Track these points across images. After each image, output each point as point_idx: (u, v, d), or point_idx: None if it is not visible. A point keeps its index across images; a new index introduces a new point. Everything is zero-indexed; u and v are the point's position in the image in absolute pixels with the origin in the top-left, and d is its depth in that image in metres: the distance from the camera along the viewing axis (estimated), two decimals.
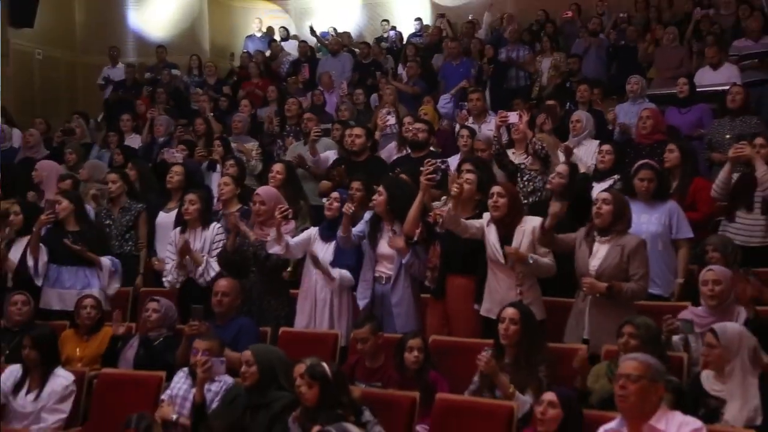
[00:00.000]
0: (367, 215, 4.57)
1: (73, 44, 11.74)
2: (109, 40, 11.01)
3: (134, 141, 7.97)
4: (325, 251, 4.58)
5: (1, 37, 10.11)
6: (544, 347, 3.75)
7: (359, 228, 4.54)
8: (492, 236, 4.16)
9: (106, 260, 5.21)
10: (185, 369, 3.98)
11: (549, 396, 3.18)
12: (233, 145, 6.90)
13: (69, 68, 11.66)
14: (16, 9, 10.26)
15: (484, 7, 11.29)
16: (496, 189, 4.23)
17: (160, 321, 4.43)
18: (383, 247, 4.43)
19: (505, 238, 4.12)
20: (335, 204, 4.63)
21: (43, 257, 5.12)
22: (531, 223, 4.16)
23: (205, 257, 4.87)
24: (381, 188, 4.46)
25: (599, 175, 5.21)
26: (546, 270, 4.13)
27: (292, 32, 12.37)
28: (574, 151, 5.70)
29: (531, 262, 4.05)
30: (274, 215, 4.51)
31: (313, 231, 4.68)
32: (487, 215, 4.22)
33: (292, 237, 4.64)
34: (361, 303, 4.46)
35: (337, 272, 4.47)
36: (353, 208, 4.47)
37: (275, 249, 4.53)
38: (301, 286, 4.72)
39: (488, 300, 4.18)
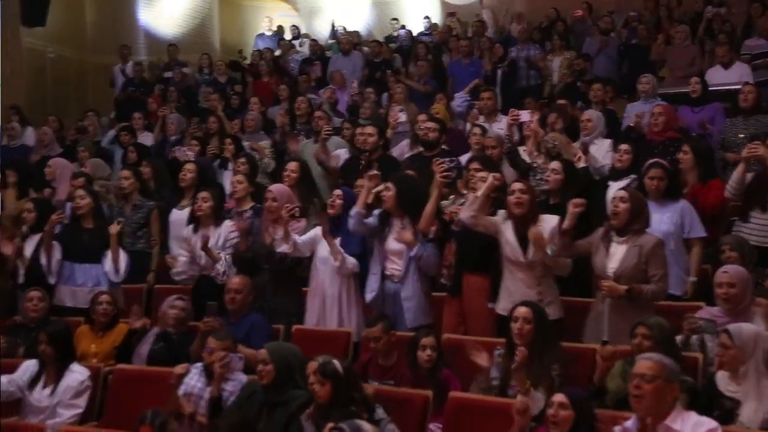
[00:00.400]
0: (377, 211, 4.57)
1: (83, 43, 11.78)
2: (120, 38, 11.02)
3: (146, 139, 7.97)
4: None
5: (13, 36, 10.15)
6: (557, 346, 3.73)
7: (372, 219, 4.52)
8: (510, 234, 4.11)
9: (123, 252, 5.24)
10: (198, 365, 3.96)
11: (559, 398, 3.13)
12: (246, 143, 6.92)
13: (79, 67, 11.71)
14: (28, 8, 10.30)
15: (490, 5, 11.24)
16: (517, 186, 4.16)
17: (182, 319, 4.48)
18: (392, 242, 4.43)
19: (523, 237, 4.06)
20: (338, 202, 4.63)
21: (57, 255, 5.13)
22: (549, 222, 4.09)
23: (222, 255, 4.87)
24: (390, 184, 4.46)
25: (616, 174, 5.16)
26: (563, 266, 4.08)
27: (302, 31, 12.39)
28: None
29: (550, 252, 3.97)
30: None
31: (319, 229, 4.68)
32: (501, 213, 4.19)
33: (301, 235, 4.65)
34: (369, 296, 4.46)
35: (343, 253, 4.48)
36: (377, 172, 4.47)
37: (283, 247, 4.54)
38: (309, 283, 4.73)
39: (506, 299, 4.12)
